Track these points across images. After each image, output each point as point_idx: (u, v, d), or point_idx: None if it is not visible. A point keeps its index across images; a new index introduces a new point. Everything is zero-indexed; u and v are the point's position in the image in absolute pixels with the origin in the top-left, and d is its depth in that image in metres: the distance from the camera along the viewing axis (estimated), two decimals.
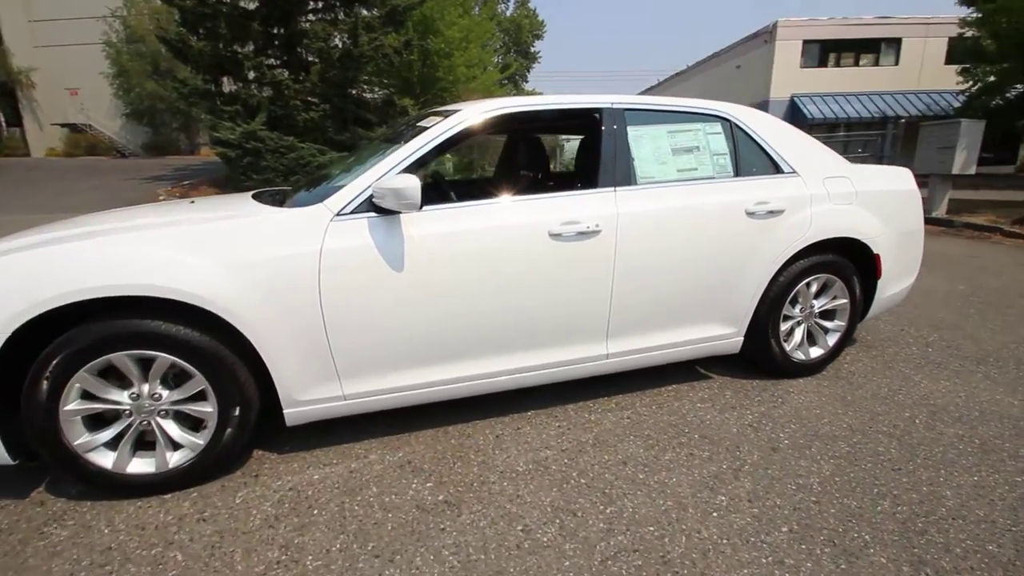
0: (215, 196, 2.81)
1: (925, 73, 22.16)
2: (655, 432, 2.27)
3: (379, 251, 1.92)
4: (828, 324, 2.83)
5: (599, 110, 2.33)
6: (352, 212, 1.94)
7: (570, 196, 2.21)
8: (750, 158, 2.56)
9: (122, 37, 25.18)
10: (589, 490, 1.89)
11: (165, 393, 1.84)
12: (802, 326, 2.77)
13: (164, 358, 1.76)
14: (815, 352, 2.82)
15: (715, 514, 1.77)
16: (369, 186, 1.96)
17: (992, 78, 14.39)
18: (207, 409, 1.86)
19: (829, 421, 2.37)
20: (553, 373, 2.30)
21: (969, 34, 14.99)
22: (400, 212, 1.94)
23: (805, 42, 22.63)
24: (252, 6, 13.47)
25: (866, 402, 2.55)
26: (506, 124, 2.60)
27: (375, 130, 13.58)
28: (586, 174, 2.38)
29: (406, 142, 2.11)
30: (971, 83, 15.13)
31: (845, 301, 2.78)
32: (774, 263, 2.52)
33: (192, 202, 2.51)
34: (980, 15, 9.20)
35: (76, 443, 1.75)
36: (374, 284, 1.93)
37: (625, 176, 2.29)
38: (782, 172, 2.59)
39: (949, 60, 20.90)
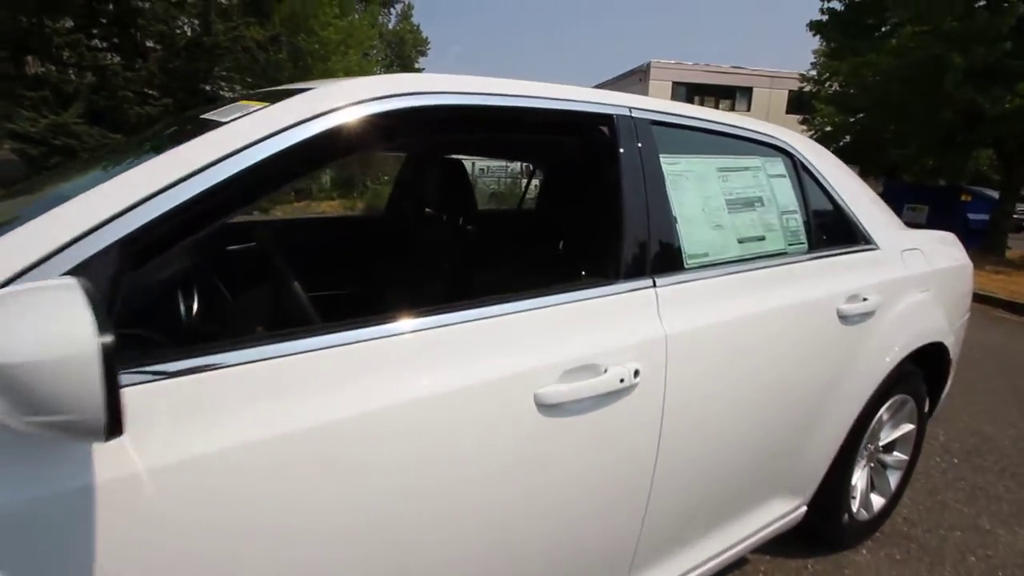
0: None
1: (771, 119, 24.91)
2: None
3: None
4: (888, 459, 1.94)
5: (608, 118, 1.16)
6: None
7: (569, 304, 1.00)
8: (824, 219, 1.57)
9: None
10: None
11: None
12: (865, 470, 1.84)
13: None
14: (877, 502, 1.90)
15: None
16: None
17: (828, 128, 16.27)
18: None
19: None
20: None
21: (807, 89, 17.06)
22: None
23: (674, 83, 24.60)
24: None
25: None
26: (423, 130, 1.35)
27: None
28: (582, 244, 1.21)
29: (133, 163, 0.73)
30: (811, 132, 17.04)
31: (912, 427, 1.91)
32: (865, 390, 1.53)
33: None
34: (848, 68, 9.86)
35: None
36: None
37: (668, 254, 1.15)
38: (863, 243, 1.64)
39: (788, 110, 23.62)
